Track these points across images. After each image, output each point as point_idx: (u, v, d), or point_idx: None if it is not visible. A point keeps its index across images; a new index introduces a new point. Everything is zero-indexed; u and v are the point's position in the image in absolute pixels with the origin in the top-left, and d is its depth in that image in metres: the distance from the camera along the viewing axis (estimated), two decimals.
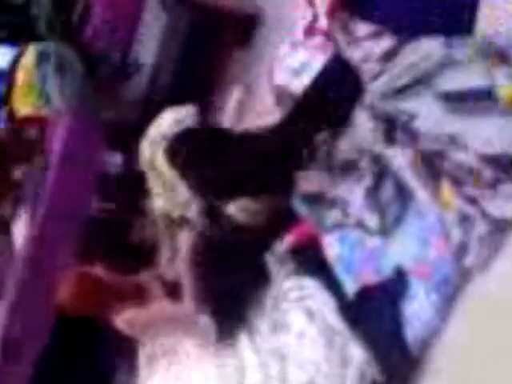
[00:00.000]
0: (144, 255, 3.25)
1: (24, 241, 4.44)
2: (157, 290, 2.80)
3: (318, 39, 2.79)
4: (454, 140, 2.21)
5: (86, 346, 4.51)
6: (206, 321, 2.61)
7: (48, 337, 4.16)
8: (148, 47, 4.43)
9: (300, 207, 2.65)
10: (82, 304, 2.75)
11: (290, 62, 2.88)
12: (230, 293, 2.66)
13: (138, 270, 2.94)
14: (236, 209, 2.78)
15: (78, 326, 3.26)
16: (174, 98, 4.50)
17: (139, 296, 2.76)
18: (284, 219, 2.80)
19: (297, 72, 2.80)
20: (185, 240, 2.81)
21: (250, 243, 2.79)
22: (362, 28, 2.68)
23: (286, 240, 2.77)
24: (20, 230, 4.56)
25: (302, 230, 2.77)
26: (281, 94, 2.96)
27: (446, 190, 2.20)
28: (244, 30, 4.39)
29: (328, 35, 2.74)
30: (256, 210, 2.78)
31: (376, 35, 2.64)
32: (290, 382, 2.38)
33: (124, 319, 2.68)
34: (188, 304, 2.67)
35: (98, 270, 2.84)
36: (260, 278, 2.66)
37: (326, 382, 2.28)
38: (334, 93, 2.71)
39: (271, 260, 2.68)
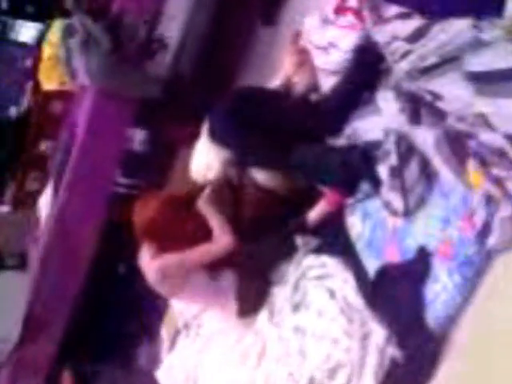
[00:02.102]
0: None
1: (49, 213, 4.49)
2: None
3: (347, 18, 2.77)
4: (481, 120, 2.20)
5: (109, 318, 4.59)
6: (227, 284, 2.63)
7: (71, 312, 4.24)
8: (174, 24, 4.42)
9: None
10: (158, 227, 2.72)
11: (318, 38, 2.87)
12: (254, 268, 2.69)
13: None
14: (264, 176, 2.79)
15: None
16: (199, 75, 4.52)
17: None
18: (307, 195, 2.82)
19: (324, 48, 2.79)
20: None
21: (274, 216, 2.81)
22: (391, 8, 2.67)
23: (308, 216, 2.80)
24: (45, 204, 4.61)
25: (325, 207, 2.79)
26: (304, 60, 2.95)
27: (473, 170, 2.19)
28: (269, 6, 4.38)
29: (358, 14, 2.73)
30: (282, 181, 2.79)
31: (404, 15, 2.62)
32: (309, 356, 2.39)
33: (157, 265, 2.67)
34: (219, 237, 2.67)
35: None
36: (284, 254, 2.67)
37: (345, 357, 2.29)
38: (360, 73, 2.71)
39: (295, 237, 2.70)
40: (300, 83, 2.97)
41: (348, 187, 2.68)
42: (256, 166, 2.87)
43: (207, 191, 2.80)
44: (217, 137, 2.88)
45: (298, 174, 2.81)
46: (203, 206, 2.75)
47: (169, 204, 2.73)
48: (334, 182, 2.69)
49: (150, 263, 2.67)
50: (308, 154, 2.73)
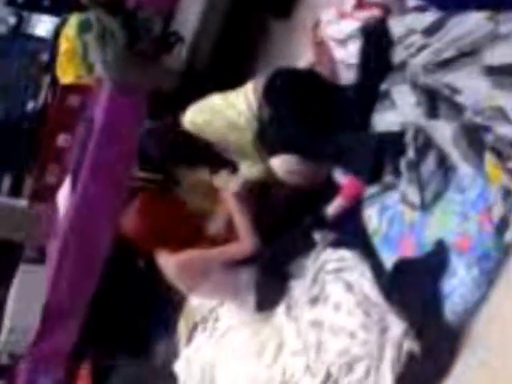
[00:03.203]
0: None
1: (67, 207, 4.52)
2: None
3: (371, 11, 2.77)
4: (498, 114, 2.20)
5: (128, 312, 4.61)
6: (246, 280, 2.64)
7: (90, 301, 4.26)
8: (189, 18, 4.43)
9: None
10: (147, 224, 2.72)
11: (335, 31, 2.87)
12: (272, 263, 2.70)
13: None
14: (281, 165, 2.80)
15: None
16: (215, 69, 4.52)
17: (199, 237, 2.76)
18: (324, 188, 2.82)
19: (342, 41, 2.78)
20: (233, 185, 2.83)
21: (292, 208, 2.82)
22: (410, 1, 2.66)
23: (326, 209, 2.80)
24: (63, 197, 4.63)
25: (342, 202, 2.80)
26: (323, 52, 2.94)
27: (491, 164, 2.19)
28: (284, 0, 4.38)
29: (383, 7, 2.72)
30: (298, 171, 2.79)
31: (421, 8, 2.62)
32: (327, 350, 2.40)
33: (179, 259, 2.68)
34: (242, 239, 2.69)
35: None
36: (302, 249, 2.68)
37: (362, 351, 2.30)
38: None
39: (314, 230, 2.71)
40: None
41: (375, 176, 2.66)
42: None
43: (239, 185, 2.81)
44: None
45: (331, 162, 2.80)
46: (233, 201, 2.76)
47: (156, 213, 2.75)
48: (365, 170, 2.67)
49: (169, 258, 2.69)
50: (344, 142, 2.71)
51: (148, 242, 2.75)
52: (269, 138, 2.88)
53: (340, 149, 2.73)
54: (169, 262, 2.68)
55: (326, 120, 2.72)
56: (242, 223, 2.72)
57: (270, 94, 2.83)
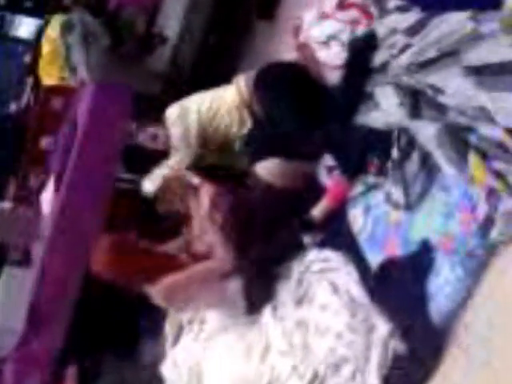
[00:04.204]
0: (170, 226, 3.27)
1: (51, 209, 4.50)
2: (186, 259, 2.80)
3: (350, 13, 2.77)
4: (481, 114, 2.21)
5: (114, 314, 4.59)
6: (235, 288, 2.64)
7: (75, 304, 4.25)
8: (172, 19, 4.42)
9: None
10: (115, 269, 2.74)
11: (317, 33, 2.88)
12: (258, 264, 2.70)
13: (164, 241, 2.95)
14: (264, 168, 2.80)
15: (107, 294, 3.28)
16: (198, 71, 4.52)
17: (170, 264, 2.76)
18: (310, 189, 2.83)
19: (325, 42, 2.79)
20: (205, 193, 2.81)
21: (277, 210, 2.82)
22: (391, 1, 2.67)
23: (311, 211, 2.81)
24: (47, 200, 4.61)
25: (328, 204, 2.80)
26: (306, 54, 2.95)
27: (474, 163, 2.20)
28: (266, 0, 4.38)
29: (362, 9, 2.73)
30: (287, 173, 2.79)
31: (403, 8, 2.62)
32: (313, 350, 2.40)
33: (164, 286, 2.67)
34: (220, 256, 2.67)
35: (132, 237, 2.83)
36: (290, 251, 2.68)
37: (349, 352, 2.31)
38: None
39: (299, 231, 2.72)
40: None
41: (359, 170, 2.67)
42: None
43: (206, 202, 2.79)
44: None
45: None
46: (208, 221, 2.75)
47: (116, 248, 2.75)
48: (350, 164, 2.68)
49: (152, 289, 2.68)
50: (331, 137, 2.72)
51: (124, 281, 2.77)
52: (256, 142, 2.88)
53: (327, 144, 2.73)
54: (153, 293, 2.68)
55: (315, 116, 2.72)
56: (216, 239, 2.71)
57: (261, 90, 2.83)
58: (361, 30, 2.70)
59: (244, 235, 2.70)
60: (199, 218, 2.77)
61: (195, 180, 2.85)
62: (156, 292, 2.67)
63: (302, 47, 2.94)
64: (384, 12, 2.66)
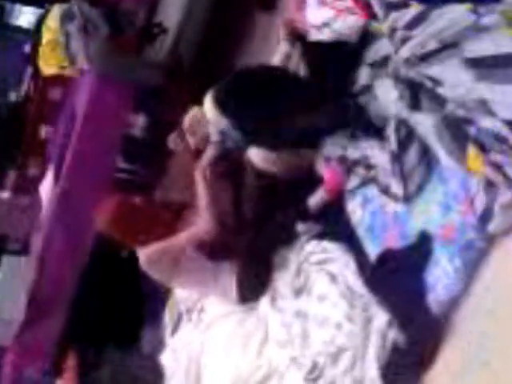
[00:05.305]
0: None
1: (50, 199, 4.51)
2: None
3: (345, 3, 2.78)
4: (480, 106, 2.21)
5: (115, 304, 4.61)
6: (228, 266, 2.66)
7: (75, 294, 4.26)
8: (173, 9, 4.41)
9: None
10: (119, 228, 2.77)
11: (314, 17, 2.90)
12: (255, 255, 2.71)
13: None
14: (257, 155, 2.79)
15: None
16: (198, 61, 4.51)
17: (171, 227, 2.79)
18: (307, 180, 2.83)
19: (318, 27, 2.82)
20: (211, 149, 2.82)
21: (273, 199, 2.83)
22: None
23: (308, 201, 2.82)
24: (46, 189, 4.62)
25: (324, 195, 2.81)
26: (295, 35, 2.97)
27: (472, 155, 2.21)
28: None
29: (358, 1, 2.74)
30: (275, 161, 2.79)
31: (402, 1, 2.62)
32: (312, 341, 2.42)
33: (150, 249, 2.72)
34: (204, 218, 2.72)
35: (137, 200, 2.88)
36: (285, 240, 2.69)
37: (347, 342, 2.32)
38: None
39: (297, 222, 2.72)
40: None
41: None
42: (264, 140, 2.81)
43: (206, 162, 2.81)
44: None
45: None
46: (200, 176, 2.77)
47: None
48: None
49: (140, 252, 2.73)
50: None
51: (125, 241, 2.80)
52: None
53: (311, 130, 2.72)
54: (140, 256, 2.72)
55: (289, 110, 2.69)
56: (202, 204, 2.74)
57: (224, 105, 2.78)
58: (353, 19, 2.72)
59: (235, 214, 2.72)
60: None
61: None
62: (142, 254, 2.71)
63: (294, 34, 2.96)
64: (383, 5, 2.66)
